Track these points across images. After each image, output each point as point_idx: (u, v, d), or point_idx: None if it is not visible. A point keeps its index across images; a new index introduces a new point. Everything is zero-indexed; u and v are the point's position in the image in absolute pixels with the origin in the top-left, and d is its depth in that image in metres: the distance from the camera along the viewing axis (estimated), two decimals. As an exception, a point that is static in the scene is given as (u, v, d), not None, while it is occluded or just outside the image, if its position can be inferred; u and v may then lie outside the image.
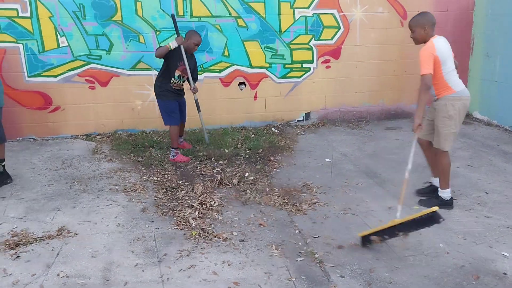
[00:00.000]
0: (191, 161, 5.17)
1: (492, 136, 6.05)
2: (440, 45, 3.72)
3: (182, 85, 5.24)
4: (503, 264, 3.05)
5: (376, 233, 3.23)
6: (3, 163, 4.63)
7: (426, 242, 3.36)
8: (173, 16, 5.16)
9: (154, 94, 5.26)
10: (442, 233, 3.48)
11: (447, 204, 3.92)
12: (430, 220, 3.13)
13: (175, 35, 5.12)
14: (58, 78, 6.13)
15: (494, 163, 5.02)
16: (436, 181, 4.10)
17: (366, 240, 3.27)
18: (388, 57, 6.83)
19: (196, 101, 5.42)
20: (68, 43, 6.04)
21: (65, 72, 6.12)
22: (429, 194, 4.11)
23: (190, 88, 5.29)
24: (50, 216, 3.87)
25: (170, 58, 4.98)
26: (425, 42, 3.74)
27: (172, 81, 5.09)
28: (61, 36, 6.01)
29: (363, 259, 3.15)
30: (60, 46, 6.04)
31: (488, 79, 6.68)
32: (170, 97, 5.14)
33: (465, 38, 7.00)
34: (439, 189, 3.96)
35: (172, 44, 4.89)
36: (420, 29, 3.73)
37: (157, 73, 6.28)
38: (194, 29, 6.13)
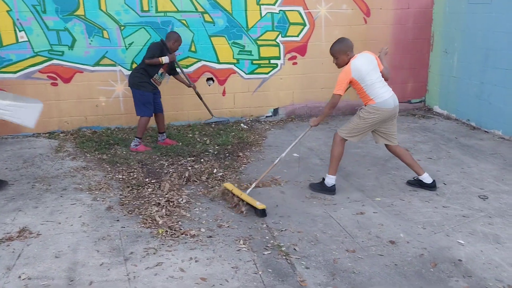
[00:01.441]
0: (157, 157, 5.15)
1: (451, 130, 6.28)
2: (357, 64, 3.97)
3: (161, 82, 5.53)
4: (459, 251, 3.20)
5: (232, 191, 3.98)
6: None
7: (388, 232, 3.48)
8: (162, 41, 5.40)
9: (129, 84, 5.42)
10: (403, 223, 3.62)
11: (330, 190, 4.20)
12: (256, 212, 3.79)
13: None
14: (18, 74, 5.94)
15: (453, 155, 5.23)
16: (424, 179, 4.24)
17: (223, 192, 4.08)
18: (352, 53, 6.96)
19: (197, 93, 5.97)
20: (27, 38, 5.85)
21: (25, 68, 5.94)
22: (416, 186, 4.33)
23: (190, 85, 5.83)
24: (11, 217, 3.77)
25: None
26: (346, 64, 4.03)
27: (154, 77, 5.37)
28: (20, 31, 5.82)
29: (328, 250, 3.23)
30: (19, 41, 5.85)
31: (447, 75, 6.92)
32: (148, 89, 5.38)
33: (425, 35, 7.22)
34: (327, 174, 4.24)
35: (165, 59, 5.24)
36: (343, 55, 4.03)
37: (121, 68, 6.21)
38: (160, 24, 6.11)
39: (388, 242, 3.33)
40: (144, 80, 5.32)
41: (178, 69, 5.69)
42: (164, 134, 5.75)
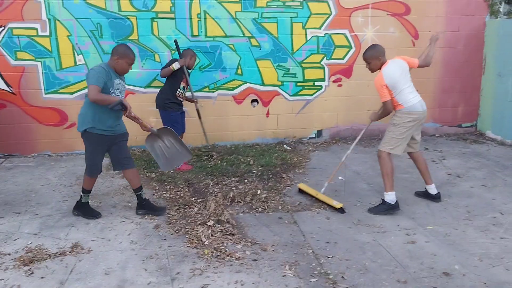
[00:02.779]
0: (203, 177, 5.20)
1: (506, 156, 5.99)
2: (388, 72, 4.15)
3: (184, 95, 5.64)
4: (521, 287, 3.01)
5: (308, 193, 4.47)
6: (86, 194, 4.28)
7: (441, 263, 3.33)
8: (175, 42, 5.52)
9: (156, 106, 5.57)
10: (457, 254, 3.44)
11: (395, 207, 4.22)
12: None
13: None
14: (74, 95, 6.24)
15: (509, 183, 4.97)
16: (430, 189, 4.47)
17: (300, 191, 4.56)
18: (400, 76, 6.84)
19: (198, 110, 5.89)
20: (84, 61, 6.16)
21: (82, 89, 6.23)
22: (423, 197, 4.56)
23: (192, 100, 5.81)
24: (64, 232, 3.90)
25: (175, 74, 5.39)
26: (379, 69, 4.22)
27: (178, 92, 5.48)
28: (78, 54, 6.14)
29: (377, 280, 3.12)
30: (77, 64, 6.16)
31: (501, 99, 6.65)
32: (174, 108, 5.51)
33: (476, 58, 7.00)
34: (384, 193, 4.28)
35: (175, 65, 5.31)
36: (375, 60, 4.21)
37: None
38: (208, 48, 6.27)
39: (442, 274, 3.18)
40: (169, 99, 5.45)
41: (188, 77, 5.60)
42: None
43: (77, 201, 4.29)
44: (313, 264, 3.35)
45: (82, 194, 4.24)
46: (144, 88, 6.35)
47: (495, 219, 4.05)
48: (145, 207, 4.27)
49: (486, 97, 7.03)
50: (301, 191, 4.73)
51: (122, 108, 3.90)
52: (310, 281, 3.12)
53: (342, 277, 3.16)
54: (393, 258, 3.41)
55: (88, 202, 4.28)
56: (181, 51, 5.48)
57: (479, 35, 6.94)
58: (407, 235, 3.79)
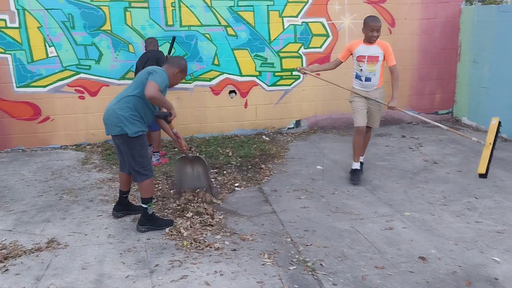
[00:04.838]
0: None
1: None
2: None
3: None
4: (495, 269, 3.07)
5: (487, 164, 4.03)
6: (149, 204, 3.73)
7: (418, 248, 3.37)
8: (173, 39, 5.45)
9: None
10: (434, 239, 3.50)
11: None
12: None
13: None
14: (47, 88, 6.09)
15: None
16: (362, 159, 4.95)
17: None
18: (377, 64, 6.87)
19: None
20: (57, 53, 6.01)
21: (54, 82, 6.08)
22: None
23: None
24: (40, 228, 3.82)
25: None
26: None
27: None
28: (50, 46, 5.98)
29: (356, 266, 3.14)
30: (49, 56, 6.00)
31: (476, 85, 6.76)
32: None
33: (452, 45, 7.09)
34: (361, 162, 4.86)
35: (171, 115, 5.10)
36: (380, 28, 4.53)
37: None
38: (184, 38, 6.20)
39: (419, 259, 3.22)
40: None
41: None
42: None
43: (142, 215, 3.74)
44: (292, 252, 3.35)
45: (146, 206, 3.70)
46: (119, 80, 6.23)
47: (470, 203, 4.13)
48: (127, 208, 4.07)
49: (461, 84, 7.14)
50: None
51: (167, 117, 3.70)
52: (289, 269, 3.12)
53: (321, 264, 3.17)
54: (371, 244, 3.45)
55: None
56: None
57: (454, 22, 7.01)
58: (385, 221, 3.83)
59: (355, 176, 4.72)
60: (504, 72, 6.20)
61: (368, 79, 4.63)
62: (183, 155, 4.22)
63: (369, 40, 4.52)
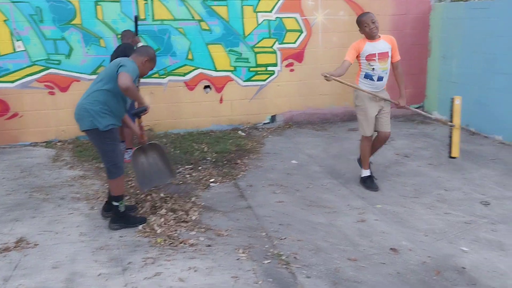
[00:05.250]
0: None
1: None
2: None
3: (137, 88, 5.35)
4: (463, 259, 3.16)
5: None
6: (120, 202, 3.70)
7: (390, 239, 3.44)
8: (136, 18, 5.26)
9: None
10: (405, 231, 3.58)
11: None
12: None
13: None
14: (15, 83, 5.91)
15: (453, 161, 5.18)
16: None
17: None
18: (350, 59, 6.95)
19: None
20: (25, 47, 5.84)
21: (23, 77, 5.91)
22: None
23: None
24: (8, 227, 3.72)
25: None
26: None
27: None
28: (17, 41, 5.80)
29: (329, 259, 3.18)
30: (16, 50, 5.83)
31: (446, 80, 6.92)
32: None
33: (423, 41, 7.22)
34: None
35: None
36: None
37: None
38: (157, 32, 6.12)
39: (391, 250, 3.29)
40: None
41: None
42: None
43: (114, 213, 3.70)
44: (267, 246, 3.37)
45: (117, 204, 3.65)
46: (90, 75, 6.09)
47: (440, 195, 4.23)
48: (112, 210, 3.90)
49: (432, 79, 7.29)
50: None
51: (141, 112, 3.63)
52: (264, 263, 3.14)
53: (295, 257, 3.20)
54: (344, 237, 3.50)
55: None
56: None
57: (425, 18, 7.15)
58: (358, 214, 3.89)
59: (372, 184, 4.42)
60: (472, 68, 6.37)
61: (380, 79, 4.24)
62: (139, 146, 4.05)
63: (372, 35, 4.18)
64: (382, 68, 4.21)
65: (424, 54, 7.28)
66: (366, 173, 4.48)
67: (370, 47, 4.20)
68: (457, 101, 4.35)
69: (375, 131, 4.40)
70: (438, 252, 3.25)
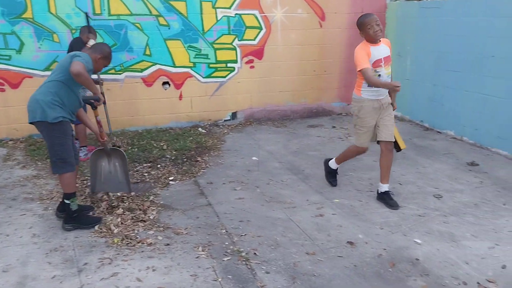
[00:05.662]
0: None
1: (405, 131, 6.46)
2: None
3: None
4: (416, 250, 3.27)
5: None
6: (71, 200, 3.57)
7: (347, 233, 3.52)
8: (86, 14, 5.13)
9: None
10: (361, 224, 3.66)
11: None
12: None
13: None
14: (-40, 80, 5.62)
15: (407, 156, 5.37)
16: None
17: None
18: (308, 57, 7.05)
19: (103, 93, 5.17)
20: (-29, 41, 5.55)
21: (-31, 73, 5.63)
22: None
23: (98, 82, 5.17)
24: (-46, 231, 3.53)
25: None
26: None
27: None
28: (-38, 34, 5.51)
29: (288, 254, 3.22)
30: (-38, 45, 5.54)
31: (400, 78, 7.12)
32: None
33: (379, 39, 7.39)
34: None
35: (92, 42, 4.82)
36: None
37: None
38: (113, 27, 5.97)
39: (347, 244, 3.36)
40: None
41: None
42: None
43: (66, 213, 3.57)
44: (226, 243, 3.37)
45: (68, 202, 3.53)
46: (43, 71, 5.87)
47: (395, 189, 4.36)
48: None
49: (387, 77, 7.48)
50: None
51: (94, 102, 3.56)
52: (223, 260, 3.13)
53: (255, 253, 3.21)
54: (303, 231, 3.55)
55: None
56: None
57: (381, 16, 7.31)
58: (316, 209, 3.95)
59: (333, 179, 4.34)
60: (424, 65, 6.60)
61: None
62: (100, 147, 3.97)
63: (376, 38, 3.78)
64: (387, 73, 3.89)
65: (380, 52, 7.45)
66: (334, 165, 4.39)
67: (376, 52, 3.82)
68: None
69: (377, 142, 4.10)
70: (393, 245, 3.35)
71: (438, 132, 6.36)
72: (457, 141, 5.92)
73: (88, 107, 4.13)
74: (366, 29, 3.81)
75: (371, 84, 3.75)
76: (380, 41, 3.87)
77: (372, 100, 3.90)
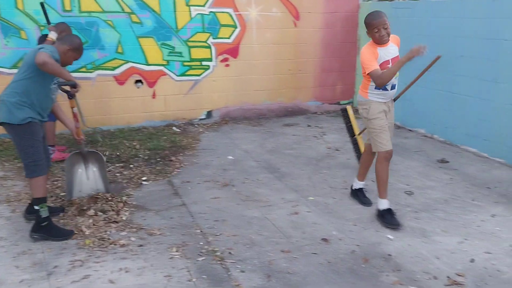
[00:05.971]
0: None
1: (378, 129, 6.56)
2: None
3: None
4: (388, 246, 3.32)
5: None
6: (41, 205, 3.39)
7: (321, 230, 3.54)
8: (42, 5, 4.89)
9: None
10: (335, 221, 3.69)
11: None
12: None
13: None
14: None
15: (380, 153, 5.45)
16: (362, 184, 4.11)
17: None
18: (283, 56, 7.07)
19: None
20: None
21: None
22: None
23: None
24: None
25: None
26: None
27: None
28: None
29: (263, 252, 3.22)
30: None
31: (374, 77, 7.23)
32: None
33: (352, 38, 7.49)
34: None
35: (53, 35, 4.49)
36: None
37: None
38: (84, 24, 5.84)
39: (322, 240, 3.39)
40: None
41: None
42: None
43: (36, 222, 3.37)
44: (201, 243, 3.34)
45: (38, 208, 3.35)
46: (10, 69, 5.67)
47: (367, 186, 4.40)
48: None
49: (360, 76, 7.56)
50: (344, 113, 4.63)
51: (70, 90, 3.45)
52: (198, 260, 3.10)
53: (230, 252, 3.20)
54: (278, 229, 3.55)
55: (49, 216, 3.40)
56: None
57: (354, 16, 7.41)
58: (291, 207, 3.96)
59: (393, 219, 3.62)
60: (397, 65, 6.70)
61: (393, 87, 3.81)
62: (77, 150, 3.86)
63: (382, 42, 3.66)
64: (395, 75, 3.71)
65: (353, 52, 7.55)
66: (385, 204, 3.70)
67: (383, 53, 3.67)
68: (351, 111, 4.62)
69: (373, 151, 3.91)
70: (366, 241, 3.39)
71: (410, 130, 6.48)
72: (428, 139, 6.05)
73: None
74: (373, 31, 3.62)
75: (385, 82, 3.55)
76: (389, 40, 3.71)
77: (380, 102, 3.75)
